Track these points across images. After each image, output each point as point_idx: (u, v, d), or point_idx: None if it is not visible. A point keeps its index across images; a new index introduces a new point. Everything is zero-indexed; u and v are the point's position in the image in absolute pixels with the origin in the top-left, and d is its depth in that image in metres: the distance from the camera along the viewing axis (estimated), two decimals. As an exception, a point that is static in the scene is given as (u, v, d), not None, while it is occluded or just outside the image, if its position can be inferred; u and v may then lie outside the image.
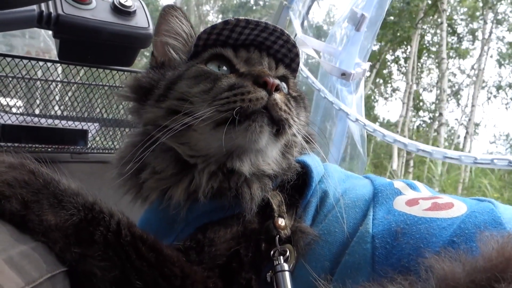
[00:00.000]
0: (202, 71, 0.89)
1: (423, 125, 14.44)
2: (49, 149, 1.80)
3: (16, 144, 1.72)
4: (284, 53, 0.97)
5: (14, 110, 1.81)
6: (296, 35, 2.32)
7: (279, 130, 0.84)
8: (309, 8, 2.48)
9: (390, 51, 13.26)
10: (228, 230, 0.82)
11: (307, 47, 2.24)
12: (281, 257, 0.79)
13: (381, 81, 14.46)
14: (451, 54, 13.28)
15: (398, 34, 12.00)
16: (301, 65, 2.21)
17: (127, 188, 0.92)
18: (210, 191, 0.84)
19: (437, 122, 11.58)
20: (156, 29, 1.01)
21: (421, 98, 14.11)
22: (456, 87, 13.76)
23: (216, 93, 0.83)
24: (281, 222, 0.82)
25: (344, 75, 2.14)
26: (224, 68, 0.91)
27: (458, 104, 13.85)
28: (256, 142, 0.81)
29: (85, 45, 1.41)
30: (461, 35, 13.14)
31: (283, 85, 0.95)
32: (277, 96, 0.82)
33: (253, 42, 0.94)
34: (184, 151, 0.87)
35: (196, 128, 0.83)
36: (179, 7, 1.00)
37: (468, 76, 13.57)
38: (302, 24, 2.42)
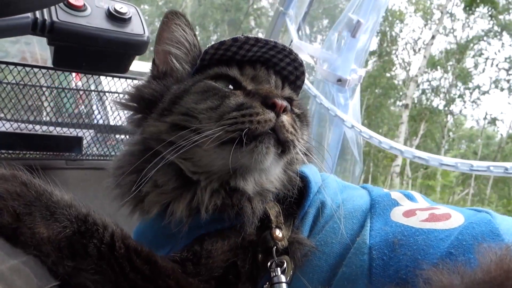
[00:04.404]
0: (209, 87, 0.87)
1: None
2: (44, 156, 1.79)
3: (10, 151, 1.71)
4: (290, 70, 0.95)
5: (8, 116, 1.80)
6: (292, 41, 2.33)
7: (284, 151, 0.83)
8: (306, 14, 2.48)
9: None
10: (226, 242, 0.81)
11: (303, 53, 2.24)
12: (278, 268, 0.78)
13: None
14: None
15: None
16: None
17: (125, 199, 0.89)
18: (212, 208, 0.83)
19: None
20: (158, 36, 0.98)
21: None
22: None
23: (223, 112, 0.81)
24: (279, 233, 0.82)
25: (340, 81, 2.14)
26: (230, 86, 0.89)
27: None
28: (262, 162, 0.80)
29: (80, 52, 1.40)
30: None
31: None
32: (285, 118, 0.81)
33: (259, 58, 0.92)
34: (187, 167, 0.86)
35: (201, 144, 0.81)
36: (183, 14, 0.97)
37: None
38: (298, 30, 2.43)
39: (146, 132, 0.89)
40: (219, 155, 0.81)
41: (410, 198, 0.88)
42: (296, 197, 0.88)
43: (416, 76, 12.52)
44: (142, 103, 0.92)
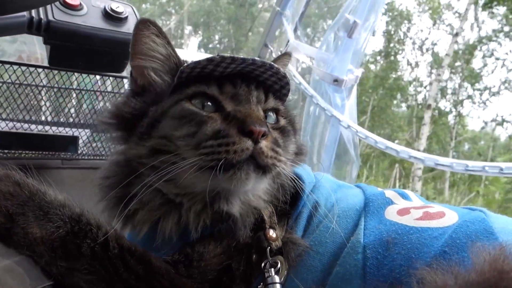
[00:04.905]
0: (186, 111, 0.82)
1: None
2: (39, 156, 1.78)
3: (5, 151, 1.70)
4: (274, 80, 0.90)
5: (3, 116, 1.79)
6: (288, 41, 2.33)
7: (266, 172, 0.81)
8: (302, 14, 2.49)
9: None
10: (218, 244, 0.80)
11: (299, 53, 2.25)
12: (272, 269, 0.78)
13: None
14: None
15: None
16: (294, 71, 2.21)
17: (113, 214, 0.85)
18: (202, 226, 0.81)
19: None
20: (132, 50, 0.91)
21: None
22: None
23: (200, 140, 0.78)
24: (272, 233, 0.82)
25: (337, 81, 2.15)
26: (209, 103, 0.84)
27: None
28: (242, 187, 0.78)
29: (76, 51, 1.40)
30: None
31: (272, 115, 0.91)
32: (263, 144, 0.77)
33: (240, 71, 0.87)
34: (170, 189, 0.83)
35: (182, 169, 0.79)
36: (152, 21, 0.90)
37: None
38: (295, 30, 2.43)
39: (127, 154, 0.86)
40: (200, 179, 0.78)
41: (404, 196, 0.88)
42: (290, 197, 0.88)
43: (439, 75, 12.15)
44: (122, 121, 0.88)
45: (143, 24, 0.89)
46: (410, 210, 0.81)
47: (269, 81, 0.89)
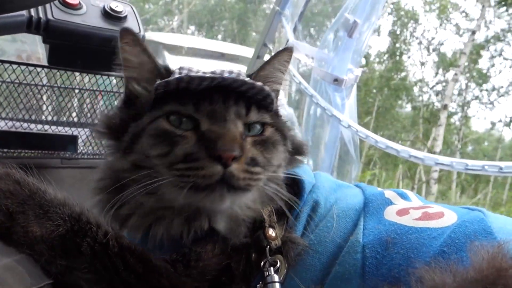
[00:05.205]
0: (160, 131, 0.81)
1: None
2: (39, 155, 1.78)
3: (5, 150, 1.70)
4: (254, 92, 0.85)
5: (3, 115, 1.79)
6: (288, 40, 2.33)
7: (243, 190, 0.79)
8: (302, 14, 2.49)
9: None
10: (217, 244, 0.80)
11: (299, 52, 2.25)
12: (272, 268, 0.78)
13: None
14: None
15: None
16: (294, 71, 2.21)
17: (108, 218, 0.84)
18: (193, 236, 0.81)
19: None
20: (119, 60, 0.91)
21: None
22: None
23: (172, 161, 0.77)
24: (272, 232, 0.82)
25: (337, 81, 2.15)
26: (187, 120, 0.82)
27: None
28: (219, 206, 0.78)
29: (75, 50, 1.40)
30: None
31: (258, 125, 0.87)
32: (234, 168, 0.75)
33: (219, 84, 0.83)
34: (151, 203, 0.83)
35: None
36: (127, 30, 0.88)
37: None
38: (294, 29, 2.43)
39: (113, 166, 0.87)
40: (178, 195, 0.77)
41: (404, 197, 0.88)
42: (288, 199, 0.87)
43: (456, 74, 11.82)
44: (112, 132, 0.89)
45: (121, 33, 0.88)
46: (409, 210, 0.81)
47: (249, 92, 0.85)
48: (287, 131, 0.93)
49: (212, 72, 0.84)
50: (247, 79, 0.82)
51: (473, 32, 11.68)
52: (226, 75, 0.82)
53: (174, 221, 0.82)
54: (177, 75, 0.84)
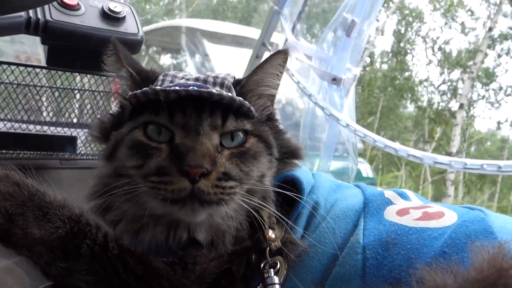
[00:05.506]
0: (136, 142, 0.81)
1: None
2: (38, 156, 1.78)
3: (3, 151, 1.70)
4: (228, 100, 0.81)
5: (2, 116, 1.79)
6: (286, 40, 2.33)
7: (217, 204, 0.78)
8: (300, 13, 2.48)
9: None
10: (213, 248, 0.80)
11: (298, 52, 2.25)
12: (272, 269, 0.78)
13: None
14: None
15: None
16: (293, 71, 2.21)
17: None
18: (177, 242, 0.81)
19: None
20: None
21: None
22: None
23: (146, 173, 0.78)
24: (271, 234, 0.81)
25: (335, 80, 2.14)
26: (164, 130, 0.81)
27: None
28: (194, 218, 0.78)
29: (74, 51, 1.40)
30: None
31: (240, 134, 0.84)
32: (202, 184, 0.74)
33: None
34: (133, 211, 0.82)
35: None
36: (112, 40, 0.91)
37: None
38: (293, 29, 2.42)
39: (100, 171, 0.89)
40: (156, 204, 0.78)
41: (404, 196, 0.88)
42: (289, 198, 0.86)
43: (472, 72, 11.54)
44: (104, 136, 0.91)
45: (110, 43, 0.91)
46: (409, 210, 0.81)
47: (223, 101, 0.81)
48: (277, 137, 0.91)
49: (196, 79, 0.86)
50: (215, 90, 0.80)
51: (490, 29, 11.43)
52: (208, 85, 0.83)
53: (157, 228, 0.82)
54: (159, 82, 0.86)
